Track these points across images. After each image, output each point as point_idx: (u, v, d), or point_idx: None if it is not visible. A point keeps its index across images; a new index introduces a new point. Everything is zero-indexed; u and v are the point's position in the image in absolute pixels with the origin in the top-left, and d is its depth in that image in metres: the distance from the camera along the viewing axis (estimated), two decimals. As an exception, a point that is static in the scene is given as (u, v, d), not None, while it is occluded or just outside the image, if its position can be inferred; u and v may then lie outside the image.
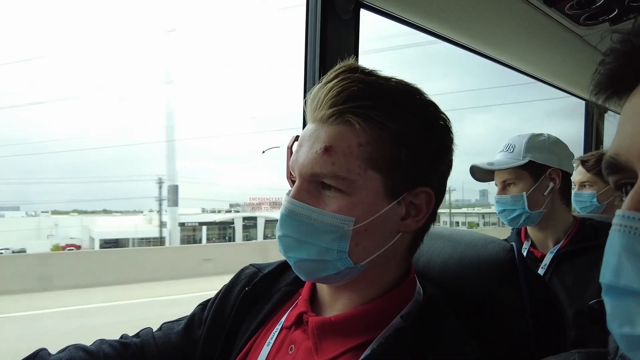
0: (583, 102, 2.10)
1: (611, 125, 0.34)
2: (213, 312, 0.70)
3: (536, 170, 1.16)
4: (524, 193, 1.16)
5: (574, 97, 2.06)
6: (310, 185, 0.53)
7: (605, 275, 0.29)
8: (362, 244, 0.52)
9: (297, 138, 0.73)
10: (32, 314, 6.22)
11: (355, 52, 1.06)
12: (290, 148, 0.71)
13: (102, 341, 0.68)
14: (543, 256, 1.19)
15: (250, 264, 0.76)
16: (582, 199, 1.68)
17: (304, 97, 1.07)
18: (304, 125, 1.07)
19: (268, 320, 0.64)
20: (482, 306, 0.61)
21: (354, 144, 0.50)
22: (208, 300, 0.74)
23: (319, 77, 1.01)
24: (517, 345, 0.59)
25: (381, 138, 0.51)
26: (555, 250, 1.17)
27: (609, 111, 0.37)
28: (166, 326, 0.74)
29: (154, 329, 0.74)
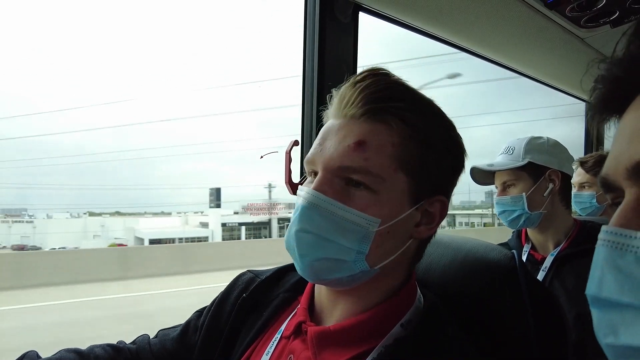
0: (583, 104, 2.10)
1: (612, 127, 0.35)
2: (210, 319, 0.69)
3: (535, 172, 1.16)
4: (524, 194, 1.16)
5: (574, 99, 2.05)
6: (334, 179, 0.50)
7: (590, 288, 0.31)
8: (381, 246, 0.51)
9: (296, 143, 0.72)
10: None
11: (354, 56, 1.06)
12: (288, 153, 0.70)
13: (94, 345, 0.68)
14: (543, 259, 1.19)
15: (248, 270, 0.74)
16: (582, 199, 1.68)
17: (303, 98, 1.07)
18: (303, 125, 1.07)
19: (267, 328, 0.63)
20: (483, 313, 0.60)
21: (387, 143, 0.50)
22: (204, 308, 0.73)
23: (318, 81, 1.02)
24: (519, 351, 0.58)
25: (412, 140, 0.50)
26: (556, 252, 1.17)
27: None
28: (162, 333, 0.73)
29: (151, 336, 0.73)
